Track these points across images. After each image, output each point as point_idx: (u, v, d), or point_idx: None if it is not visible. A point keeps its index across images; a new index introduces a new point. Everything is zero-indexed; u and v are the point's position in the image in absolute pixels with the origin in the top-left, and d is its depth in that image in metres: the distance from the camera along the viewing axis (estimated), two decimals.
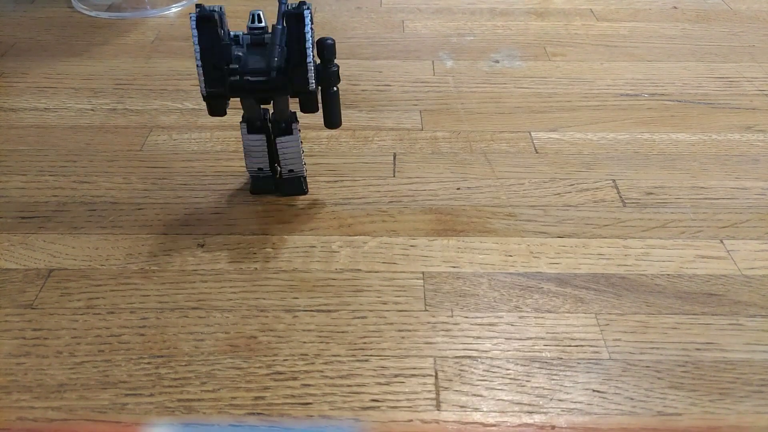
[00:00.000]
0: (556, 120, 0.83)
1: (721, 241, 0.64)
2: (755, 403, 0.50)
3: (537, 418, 0.48)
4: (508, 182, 0.72)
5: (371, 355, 0.53)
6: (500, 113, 0.84)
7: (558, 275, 0.60)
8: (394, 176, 0.73)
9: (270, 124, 0.66)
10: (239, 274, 0.61)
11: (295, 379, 0.51)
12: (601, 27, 1.06)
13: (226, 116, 0.64)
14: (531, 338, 0.55)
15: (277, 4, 0.59)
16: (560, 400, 0.50)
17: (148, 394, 0.50)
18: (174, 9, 1.12)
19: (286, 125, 0.65)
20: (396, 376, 0.51)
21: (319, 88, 0.62)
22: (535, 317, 0.56)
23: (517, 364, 0.52)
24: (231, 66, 0.58)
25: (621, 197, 0.70)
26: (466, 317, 0.56)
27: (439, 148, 0.78)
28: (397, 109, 0.85)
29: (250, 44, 0.60)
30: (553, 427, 0.48)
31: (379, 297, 0.58)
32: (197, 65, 0.58)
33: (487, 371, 0.52)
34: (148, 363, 0.52)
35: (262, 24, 0.60)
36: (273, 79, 0.58)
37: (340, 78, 0.62)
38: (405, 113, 0.84)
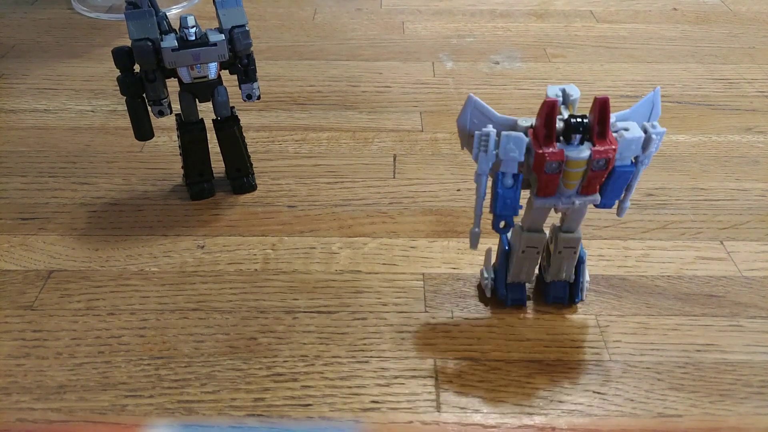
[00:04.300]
0: None
1: (722, 243, 0.64)
2: (755, 404, 0.49)
3: (537, 420, 0.48)
4: None
5: (371, 357, 0.53)
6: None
7: None
8: (394, 177, 0.73)
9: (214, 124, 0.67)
10: (239, 276, 0.61)
11: (295, 380, 0.51)
12: (601, 28, 1.06)
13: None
14: (531, 339, 0.54)
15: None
16: (560, 402, 0.50)
17: (148, 395, 0.50)
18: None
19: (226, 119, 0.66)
20: (396, 377, 0.51)
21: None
22: (535, 318, 0.56)
23: (518, 365, 0.52)
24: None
25: None
26: (466, 318, 0.56)
27: (439, 150, 0.78)
28: (397, 110, 0.85)
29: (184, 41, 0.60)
30: (554, 429, 0.48)
31: (379, 298, 0.58)
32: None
33: (488, 372, 0.52)
34: (148, 364, 0.52)
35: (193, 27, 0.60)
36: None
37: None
38: (405, 114, 0.84)
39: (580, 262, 0.55)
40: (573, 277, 0.56)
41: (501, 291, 0.56)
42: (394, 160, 0.76)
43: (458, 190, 0.71)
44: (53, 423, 0.48)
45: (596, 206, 0.49)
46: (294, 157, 0.76)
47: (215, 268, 0.61)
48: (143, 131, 0.64)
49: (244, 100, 0.64)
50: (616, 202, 0.50)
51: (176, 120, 0.66)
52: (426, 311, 0.57)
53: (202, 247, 0.64)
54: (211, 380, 0.51)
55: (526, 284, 0.57)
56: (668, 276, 0.60)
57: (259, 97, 0.65)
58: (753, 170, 0.74)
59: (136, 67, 0.61)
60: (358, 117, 0.84)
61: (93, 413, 0.49)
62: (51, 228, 0.66)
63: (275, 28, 1.06)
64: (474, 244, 0.52)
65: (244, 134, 0.68)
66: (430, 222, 0.67)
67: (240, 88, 0.64)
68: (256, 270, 0.61)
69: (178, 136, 0.67)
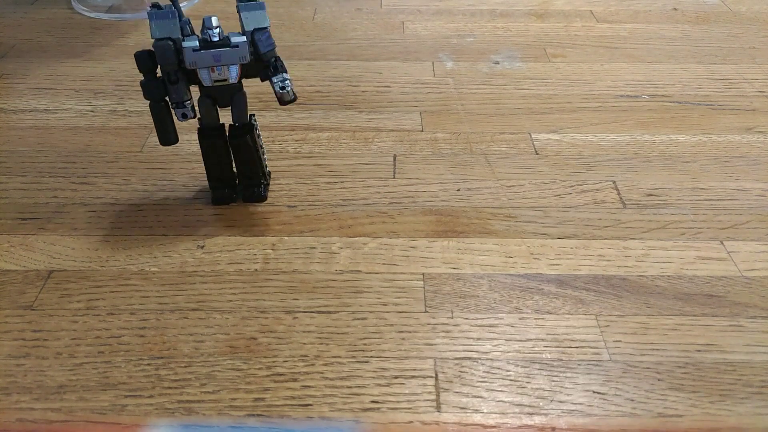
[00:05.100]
0: (557, 121, 0.83)
1: (722, 243, 0.64)
2: (756, 404, 0.49)
3: (537, 420, 0.48)
4: (509, 183, 0.72)
5: (371, 357, 0.53)
6: (500, 114, 0.84)
7: (558, 276, 0.60)
8: (394, 177, 0.73)
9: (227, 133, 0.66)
10: (239, 276, 0.60)
11: (295, 380, 0.51)
12: (602, 28, 1.06)
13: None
14: (531, 339, 0.54)
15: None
16: (560, 402, 0.50)
17: (148, 395, 0.50)
18: None
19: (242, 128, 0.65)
20: (396, 377, 0.51)
21: None
22: (535, 318, 0.56)
23: (518, 365, 0.52)
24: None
25: (621, 198, 0.70)
26: (467, 318, 0.56)
27: (439, 150, 0.78)
28: (397, 110, 0.85)
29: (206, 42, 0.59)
30: (554, 429, 0.48)
31: (379, 298, 0.58)
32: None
33: (488, 372, 0.52)
34: (148, 364, 0.52)
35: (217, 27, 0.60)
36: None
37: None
38: (405, 114, 0.84)
39: None
40: None
41: None
42: (394, 160, 0.76)
43: (458, 190, 0.71)
44: (53, 423, 0.48)
45: None
46: (294, 157, 0.76)
47: (215, 268, 0.61)
48: (167, 135, 0.63)
49: (279, 97, 0.61)
50: None
51: (198, 125, 0.65)
52: (426, 311, 0.57)
53: (202, 247, 0.64)
54: (211, 380, 0.51)
55: None
56: (668, 276, 0.60)
57: (294, 96, 0.61)
58: (753, 170, 0.74)
59: (159, 73, 0.60)
60: (358, 117, 0.84)
61: (93, 413, 0.49)
62: (51, 228, 0.66)
63: (275, 28, 1.06)
64: None
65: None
66: (430, 222, 0.67)
67: (271, 83, 0.61)
68: (256, 270, 0.61)
69: (199, 141, 0.66)
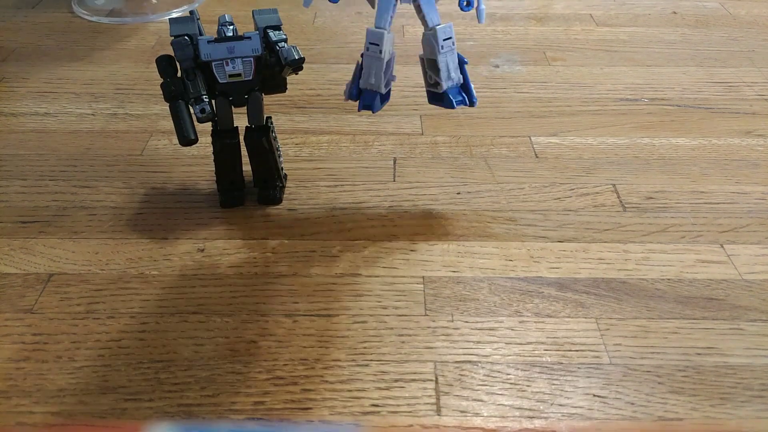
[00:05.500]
0: (556, 125, 0.83)
1: (722, 246, 0.64)
2: (756, 407, 0.49)
3: (537, 423, 0.48)
4: (508, 187, 0.72)
5: (371, 360, 0.53)
6: (500, 118, 0.84)
7: (558, 280, 0.60)
8: (394, 181, 0.73)
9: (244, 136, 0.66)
10: (239, 279, 0.60)
11: (295, 383, 0.51)
12: (601, 32, 1.07)
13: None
14: (531, 343, 0.54)
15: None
16: (561, 405, 0.50)
17: (148, 398, 0.50)
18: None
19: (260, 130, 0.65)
20: (396, 380, 0.51)
21: None
22: (535, 322, 0.56)
23: (518, 368, 0.52)
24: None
25: (621, 202, 0.70)
26: (467, 322, 0.56)
27: (439, 153, 0.78)
28: (397, 113, 0.85)
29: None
30: None
31: (379, 302, 0.58)
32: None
33: (488, 376, 0.52)
34: (148, 368, 0.52)
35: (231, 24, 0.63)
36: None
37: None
38: (405, 118, 0.84)
39: (462, 63, 0.63)
40: (461, 78, 0.63)
41: (353, 93, 0.63)
42: (394, 163, 0.76)
43: (458, 193, 0.71)
44: (53, 426, 0.48)
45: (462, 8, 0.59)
46: (294, 161, 0.76)
47: (215, 271, 0.61)
48: (187, 134, 0.61)
49: (285, 63, 0.60)
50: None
51: (212, 127, 0.65)
52: (426, 314, 0.57)
53: (202, 250, 0.64)
54: (211, 384, 0.51)
55: (386, 96, 0.63)
56: (668, 279, 0.60)
57: (299, 61, 0.60)
58: (753, 173, 0.74)
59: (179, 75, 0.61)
60: (358, 120, 0.84)
61: (93, 417, 0.49)
62: (51, 231, 0.66)
63: None
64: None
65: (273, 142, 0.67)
66: (430, 225, 0.67)
67: (275, 49, 0.60)
68: (256, 273, 0.61)
69: (212, 143, 0.66)
